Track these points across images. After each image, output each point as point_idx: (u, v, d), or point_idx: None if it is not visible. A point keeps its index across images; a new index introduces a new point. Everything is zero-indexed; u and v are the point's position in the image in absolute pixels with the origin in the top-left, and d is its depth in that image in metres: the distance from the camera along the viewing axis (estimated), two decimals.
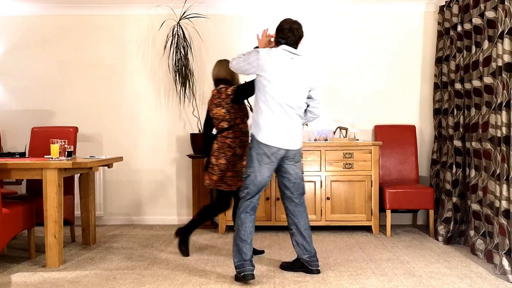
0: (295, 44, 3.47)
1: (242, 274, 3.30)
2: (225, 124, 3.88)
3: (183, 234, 4.08)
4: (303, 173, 3.60)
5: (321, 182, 4.89)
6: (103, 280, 3.45)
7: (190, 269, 3.69)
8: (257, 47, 3.59)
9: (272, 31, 3.59)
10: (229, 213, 4.77)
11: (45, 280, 3.45)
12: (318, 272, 3.55)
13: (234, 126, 3.88)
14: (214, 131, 4.03)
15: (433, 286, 3.28)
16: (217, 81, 4.01)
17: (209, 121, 4.05)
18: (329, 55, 5.46)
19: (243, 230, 3.38)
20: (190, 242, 4.22)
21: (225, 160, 3.86)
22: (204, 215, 4.04)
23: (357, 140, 5.08)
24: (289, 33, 3.43)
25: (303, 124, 3.61)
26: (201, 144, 5.18)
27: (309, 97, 3.51)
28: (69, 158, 4.05)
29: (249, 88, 3.75)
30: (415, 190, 4.82)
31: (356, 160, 4.87)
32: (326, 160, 4.88)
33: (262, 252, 4.13)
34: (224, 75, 3.96)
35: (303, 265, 3.58)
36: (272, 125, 3.36)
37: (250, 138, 3.62)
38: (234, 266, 3.37)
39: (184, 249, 4.08)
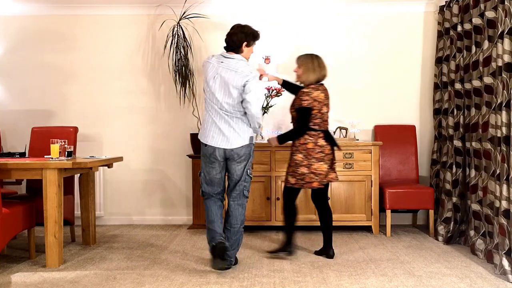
0: (236, 48, 3.64)
1: (213, 243, 3.51)
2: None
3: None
4: (249, 177, 3.72)
5: None
6: (103, 280, 3.45)
7: (190, 269, 3.69)
8: None
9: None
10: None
11: (45, 280, 3.45)
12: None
13: None
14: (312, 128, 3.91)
15: (433, 286, 3.28)
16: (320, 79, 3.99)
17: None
18: (328, 55, 5.43)
19: (210, 212, 3.67)
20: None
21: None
22: (330, 219, 4.03)
23: (357, 140, 5.08)
24: (226, 38, 3.69)
25: (254, 127, 3.68)
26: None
27: (243, 97, 3.59)
28: (69, 158, 4.05)
29: None
30: (415, 190, 4.82)
31: (356, 160, 4.87)
32: None
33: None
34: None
35: None
36: (208, 127, 3.65)
37: None
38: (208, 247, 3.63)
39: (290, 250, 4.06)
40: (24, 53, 5.56)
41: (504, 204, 3.55)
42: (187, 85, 5.29)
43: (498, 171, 3.69)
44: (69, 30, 5.54)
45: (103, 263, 3.88)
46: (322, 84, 3.95)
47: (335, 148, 3.99)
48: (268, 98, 5.13)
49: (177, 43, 5.23)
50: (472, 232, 4.19)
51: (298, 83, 4.04)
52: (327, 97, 3.93)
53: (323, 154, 3.86)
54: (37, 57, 5.55)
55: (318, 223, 4.86)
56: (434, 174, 5.12)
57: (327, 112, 3.93)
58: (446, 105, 4.91)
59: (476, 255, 4.01)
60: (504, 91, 3.60)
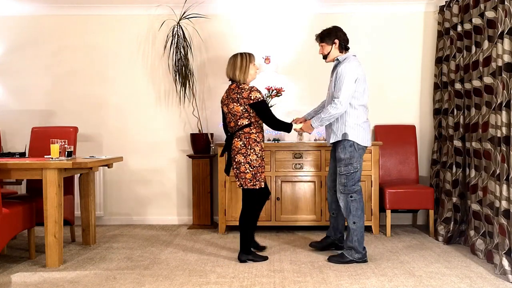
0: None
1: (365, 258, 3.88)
2: (245, 121, 3.82)
3: (245, 250, 3.89)
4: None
5: (321, 182, 4.88)
6: (103, 280, 3.45)
7: (190, 269, 3.69)
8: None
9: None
10: (232, 213, 4.81)
11: (45, 280, 3.45)
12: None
13: (255, 122, 3.86)
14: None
15: (433, 286, 3.28)
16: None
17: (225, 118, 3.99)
18: None
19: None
20: (256, 244, 4.22)
21: (256, 156, 3.84)
22: (248, 222, 3.87)
23: None
24: (347, 38, 4.04)
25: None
26: (202, 144, 5.18)
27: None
28: (69, 158, 4.05)
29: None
30: (415, 190, 4.82)
31: None
32: (326, 160, 4.88)
33: (264, 248, 4.23)
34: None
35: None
36: (368, 128, 4.08)
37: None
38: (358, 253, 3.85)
39: (259, 249, 4.22)
40: (24, 53, 5.56)
41: (504, 204, 3.55)
42: (187, 85, 5.29)
43: (498, 171, 3.69)
44: (69, 30, 5.54)
45: (103, 263, 3.89)
46: (241, 85, 3.84)
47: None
48: (268, 98, 5.12)
49: (177, 43, 5.24)
50: (472, 232, 4.19)
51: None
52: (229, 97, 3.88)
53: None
54: (37, 57, 5.55)
55: (317, 223, 4.88)
56: (434, 174, 5.12)
57: (227, 112, 3.90)
58: (446, 105, 4.91)
59: (476, 255, 4.02)
60: (504, 91, 3.60)
